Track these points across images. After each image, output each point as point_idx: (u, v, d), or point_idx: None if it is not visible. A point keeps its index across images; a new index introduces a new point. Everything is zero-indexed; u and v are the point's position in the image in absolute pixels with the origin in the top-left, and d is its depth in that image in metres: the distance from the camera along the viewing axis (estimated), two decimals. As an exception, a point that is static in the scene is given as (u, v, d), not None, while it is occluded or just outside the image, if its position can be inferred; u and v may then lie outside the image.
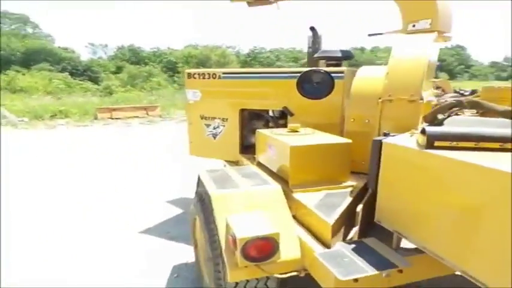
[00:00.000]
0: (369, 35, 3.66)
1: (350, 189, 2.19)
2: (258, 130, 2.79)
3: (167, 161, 7.07)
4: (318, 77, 2.93)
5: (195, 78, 3.59)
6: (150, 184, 5.65)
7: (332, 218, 1.75)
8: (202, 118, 3.65)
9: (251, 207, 1.92)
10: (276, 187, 2.06)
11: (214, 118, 3.57)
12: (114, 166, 6.88)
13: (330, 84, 2.88)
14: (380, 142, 1.74)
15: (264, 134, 2.63)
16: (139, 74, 30.95)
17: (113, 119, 14.14)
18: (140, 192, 5.25)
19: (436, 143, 1.46)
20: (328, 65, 3.32)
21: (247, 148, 3.51)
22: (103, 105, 16.12)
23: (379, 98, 2.15)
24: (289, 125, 2.61)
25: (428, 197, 1.46)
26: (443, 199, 1.39)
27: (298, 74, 3.01)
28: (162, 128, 12.21)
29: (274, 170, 2.43)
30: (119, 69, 33.39)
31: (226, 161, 3.64)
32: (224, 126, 3.52)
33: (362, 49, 63.46)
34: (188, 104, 3.70)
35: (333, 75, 2.87)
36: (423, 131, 1.52)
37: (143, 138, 10.16)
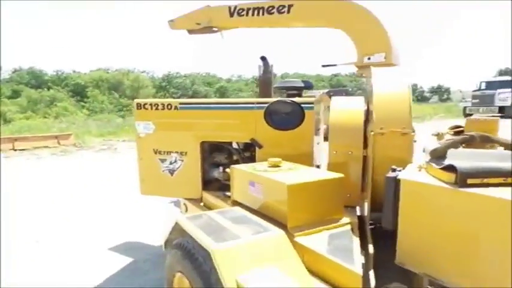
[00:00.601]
0: (323, 65, 3.75)
1: (349, 226, 2.08)
2: (232, 166, 2.55)
3: (98, 197, 6.26)
4: (287, 107, 2.84)
5: (146, 109, 3.22)
6: (86, 228, 4.89)
7: (357, 266, 1.60)
8: (156, 153, 3.26)
9: (259, 260, 1.67)
10: (279, 233, 1.84)
11: (171, 152, 3.22)
12: (37, 207, 5.84)
13: (300, 115, 2.81)
14: (396, 179, 1.67)
15: (243, 171, 2.41)
16: (41, 98, 27.88)
17: (16, 150, 12.25)
18: (74, 240, 4.48)
19: (469, 181, 1.42)
20: (288, 95, 3.27)
21: (208, 183, 3.23)
22: (1, 134, 13.92)
23: (371, 131, 2.11)
24: (270, 160, 2.43)
25: (465, 236, 1.41)
26: (484, 238, 1.35)
27: (265, 105, 2.88)
28: (79, 159, 10.95)
29: (261, 210, 2.21)
30: (15, 94, 29.62)
31: (186, 199, 3.28)
32: (182, 160, 3.19)
33: (274, 74, 67.03)
34: (139, 137, 3.29)
35: (302, 105, 2.81)
36: (450, 168, 1.48)
37: (59, 172, 8.93)
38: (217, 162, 3.27)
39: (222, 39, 4.49)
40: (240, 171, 2.45)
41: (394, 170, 1.79)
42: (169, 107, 3.15)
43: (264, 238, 1.80)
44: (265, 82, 3.85)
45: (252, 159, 3.13)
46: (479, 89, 20.95)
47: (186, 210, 3.27)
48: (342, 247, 1.83)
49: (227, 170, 2.84)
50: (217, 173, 3.23)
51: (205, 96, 46.22)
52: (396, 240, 1.72)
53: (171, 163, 3.23)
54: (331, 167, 2.43)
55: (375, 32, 3.05)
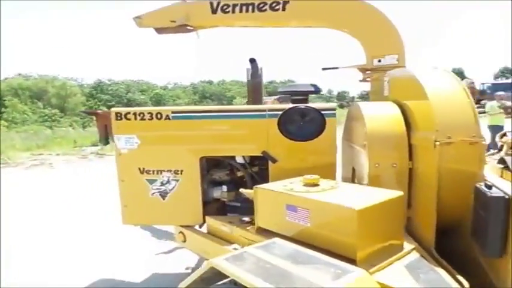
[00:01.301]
0: (323, 68, 3.46)
1: (417, 253, 1.77)
2: (258, 186, 2.10)
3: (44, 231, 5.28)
4: (306, 115, 2.48)
5: (128, 119, 2.62)
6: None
7: None
8: (142, 172, 2.67)
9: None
10: (363, 274, 1.46)
11: (162, 171, 2.66)
12: None
13: (320, 123, 2.46)
14: (504, 199, 1.39)
15: (276, 192, 1.98)
16: None
17: None
18: None
19: None
20: (293, 101, 2.90)
21: (206, 206, 2.72)
22: None
23: (436, 141, 1.82)
24: (306, 178, 2.03)
25: None
26: None
27: (279, 112, 2.49)
28: (8, 179, 9.37)
29: (308, 240, 1.80)
30: None
31: (183, 226, 2.73)
32: (177, 180, 2.65)
33: (210, 82, 66.39)
34: (119, 154, 2.67)
35: (323, 112, 2.47)
36: None
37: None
38: (217, 180, 2.79)
39: (198, 39, 4.00)
40: (270, 193, 2.02)
41: (489, 187, 1.51)
42: (158, 116, 2.60)
43: (350, 283, 1.40)
44: (255, 86, 3.45)
45: (261, 175, 2.70)
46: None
47: (185, 240, 2.72)
48: (434, 282, 1.50)
49: (241, 190, 2.39)
50: (218, 193, 2.75)
51: (140, 105, 44.22)
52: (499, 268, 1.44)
53: (162, 184, 2.67)
54: (372, 182, 2.11)
55: (387, 33, 2.84)
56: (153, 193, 2.69)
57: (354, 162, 2.55)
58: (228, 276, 1.63)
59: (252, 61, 3.33)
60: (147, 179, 2.68)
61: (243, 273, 1.48)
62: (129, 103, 43.48)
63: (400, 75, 2.46)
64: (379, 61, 2.88)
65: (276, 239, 1.85)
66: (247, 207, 2.67)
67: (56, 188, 7.76)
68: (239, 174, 2.76)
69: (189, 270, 3.72)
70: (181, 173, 2.64)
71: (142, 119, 2.62)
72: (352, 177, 2.58)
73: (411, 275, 1.57)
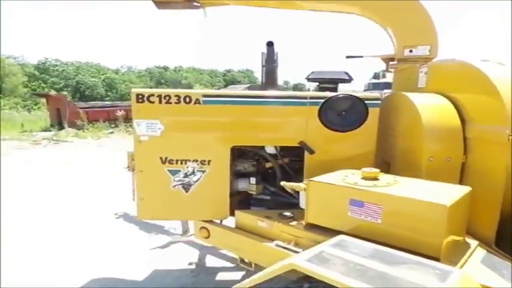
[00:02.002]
0: (347, 56, 3.36)
1: (483, 250, 1.75)
2: (313, 179, 1.96)
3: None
4: (348, 104, 2.37)
5: (151, 102, 2.34)
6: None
7: None
8: (164, 162, 2.41)
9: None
10: (463, 274, 1.38)
11: (187, 161, 2.41)
12: None
13: (363, 113, 2.37)
14: None
15: (338, 186, 1.85)
16: None
17: None
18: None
19: None
20: (321, 89, 2.78)
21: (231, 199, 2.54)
22: None
23: (510, 135, 1.78)
24: (365, 170, 1.93)
25: None
26: None
27: (320, 100, 2.36)
28: None
29: (377, 238, 1.70)
30: None
31: (206, 221, 2.51)
32: (204, 171, 2.42)
33: (165, 68, 64.13)
34: (138, 141, 2.38)
35: (366, 102, 2.37)
36: None
37: None
38: (242, 171, 2.60)
39: (204, 17, 3.72)
40: (328, 187, 1.89)
41: None
42: (187, 100, 2.34)
43: (455, 284, 1.31)
44: (270, 72, 3.28)
45: (291, 167, 2.57)
46: (369, 89, 23.40)
47: (208, 236, 2.51)
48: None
49: (283, 182, 2.23)
50: (245, 185, 2.57)
51: (92, 88, 41.35)
52: None
53: (186, 175, 2.43)
54: (425, 176, 2.05)
55: (422, 21, 2.77)
56: (175, 185, 2.44)
57: (389, 155, 2.50)
58: (308, 277, 1.49)
59: (269, 44, 3.15)
60: (168, 170, 2.43)
61: (341, 276, 1.34)
62: (78, 86, 40.70)
63: (449, 66, 2.39)
64: (411, 51, 2.82)
65: (343, 237, 1.73)
66: (276, 201, 2.54)
67: (14, 177, 7.00)
68: (268, 165, 2.60)
69: (193, 266, 3.51)
70: (208, 164, 2.42)
71: (168, 102, 2.35)
72: (385, 170, 2.51)
73: (494, 271, 1.54)
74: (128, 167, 3.11)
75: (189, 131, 2.40)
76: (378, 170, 1.92)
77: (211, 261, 3.60)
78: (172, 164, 2.41)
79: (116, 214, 4.92)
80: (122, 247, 3.94)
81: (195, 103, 2.34)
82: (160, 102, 2.34)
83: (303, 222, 2.05)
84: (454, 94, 2.19)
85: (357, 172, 2.03)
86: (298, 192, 2.19)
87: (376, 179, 1.88)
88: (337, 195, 1.85)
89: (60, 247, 3.90)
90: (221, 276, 3.34)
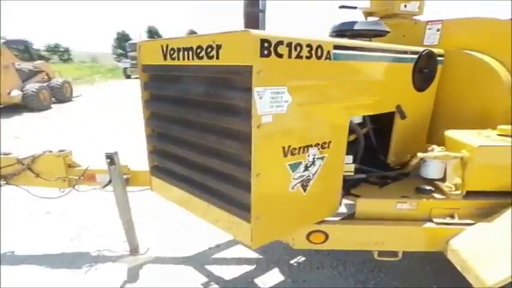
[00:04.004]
0: (340, 6, 3.03)
1: None
2: (474, 145, 1.76)
3: None
4: (430, 60, 2.20)
5: (279, 56, 1.35)
6: None
7: None
8: (286, 154, 1.51)
9: None
10: None
11: (309, 147, 1.61)
12: None
13: (435, 70, 2.28)
14: None
15: (507, 147, 1.76)
16: None
17: None
18: None
19: None
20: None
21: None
22: None
23: None
24: (500, 128, 1.91)
25: None
26: None
27: (414, 56, 2.07)
28: None
29: None
30: None
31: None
32: (323, 158, 1.69)
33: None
34: (258, 126, 1.36)
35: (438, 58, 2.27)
36: None
37: None
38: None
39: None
40: (498, 150, 1.76)
41: None
42: (319, 53, 1.49)
43: None
44: (252, 19, 2.62)
45: (375, 137, 2.19)
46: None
47: (326, 239, 1.83)
48: None
49: (420, 154, 1.88)
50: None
51: None
52: None
53: (306, 168, 1.62)
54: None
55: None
56: (295, 185, 1.60)
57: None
58: None
59: None
60: (289, 165, 1.55)
61: None
62: None
63: (481, 23, 2.46)
64: (405, 6, 2.81)
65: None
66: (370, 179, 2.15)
67: None
68: (350, 138, 2.10)
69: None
70: (328, 146, 1.70)
71: (298, 56, 1.42)
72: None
73: None
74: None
75: (316, 101, 1.57)
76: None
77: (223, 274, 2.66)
78: (294, 154, 1.55)
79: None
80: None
81: (325, 58, 1.53)
82: (290, 56, 1.39)
83: (455, 192, 1.86)
84: (492, 52, 2.36)
85: (484, 131, 1.99)
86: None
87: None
88: (501, 156, 1.76)
89: None
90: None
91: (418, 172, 2.13)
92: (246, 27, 2.60)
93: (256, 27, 2.64)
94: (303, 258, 2.73)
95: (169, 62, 1.74)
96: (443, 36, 2.56)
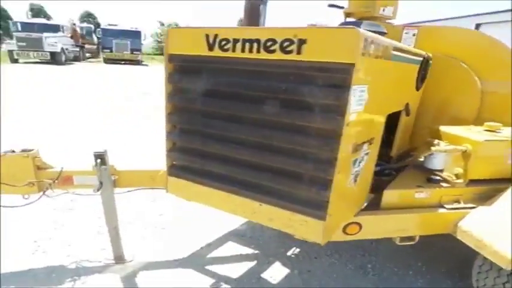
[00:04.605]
0: (329, 5, 3.14)
1: None
2: (474, 140, 2.07)
3: None
4: (425, 61, 2.45)
5: (369, 55, 1.39)
6: None
7: None
8: (354, 151, 1.56)
9: None
10: None
11: (364, 143, 1.68)
12: None
13: (427, 71, 2.55)
14: None
15: (500, 141, 2.12)
16: None
17: None
18: None
19: None
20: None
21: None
22: None
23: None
24: (487, 124, 2.27)
25: None
26: None
27: (420, 58, 2.30)
28: None
29: None
30: None
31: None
32: (368, 154, 1.79)
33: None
34: (347, 124, 1.38)
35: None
36: None
37: None
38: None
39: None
40: (493, 144, 2.09)
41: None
42: (386, 54, 1.57)
43: None
44: (252, 10, 2.63)
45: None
46: (21, 30, 18.88)
47: (359, 230, 1.92)
48: None
49: (434, 148, 2.11)
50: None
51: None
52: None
53: (359, 163, 1.70)
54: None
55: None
56: (351, 180, 1.67)
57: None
58: None
59: None
60: (353, 160, 1.60)
61: None
62: None
63: (453, 32, 2.74)
64: (383, 10, 3.01)
65: None
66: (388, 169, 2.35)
67: None
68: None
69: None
70: (373, 142, 1.79)
71: (377, 56, 1.48)
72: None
73: None
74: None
75: (377, 99, 1.63)
76: (500, 124, 2.30)
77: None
78: (357, 151, 1.61)
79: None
80: None
81: (388, 58, 1.63)
82: (373, 55, 1.44)
83: (459, 181, 2.15)
84: (462, 58, 2.75)
85: (473, 127, 2.33)
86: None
87: (495, 131, 2.28)
88: (498, 149, 2.11)
89: None
90: None
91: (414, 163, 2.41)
92: (246, 18, 2.53)
93: (257, 19, 2.60)
94: (298, 249, 2.81)
95: (217, 53, 1.62)
96: (418, 41, 2.87)
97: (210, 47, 1.64)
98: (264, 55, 1.50)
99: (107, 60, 22.64)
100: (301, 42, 1.40)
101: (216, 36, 1.61)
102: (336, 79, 1.36)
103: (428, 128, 2.51)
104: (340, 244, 2.85)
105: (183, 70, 1.80)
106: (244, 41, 1.53)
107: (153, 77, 14.71)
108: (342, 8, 3.10)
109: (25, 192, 2.32)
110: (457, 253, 2.64)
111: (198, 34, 1.66)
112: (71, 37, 22.49)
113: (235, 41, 1.56)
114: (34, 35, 18.58)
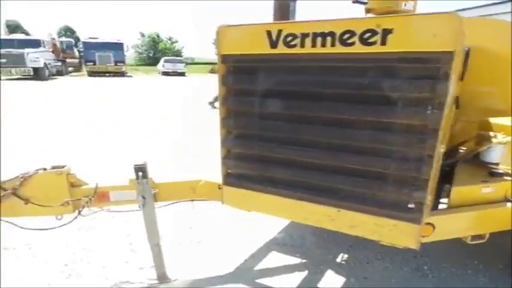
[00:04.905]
0: (354, 1, 3.05)
1: None
2: None
3: None
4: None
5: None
6: None
7: None
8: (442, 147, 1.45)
9: None
10: None
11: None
12: None
13: None
14: None
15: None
16: None
17: None
18: None
19: None
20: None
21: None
22: None
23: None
24: None
25: None
26: None
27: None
28: None
29: None
30: None
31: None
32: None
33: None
34: (446, 116, 1.27)
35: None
36: None
37: None
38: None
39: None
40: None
41: None
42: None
43: None
44: (282, 9, 2.55)
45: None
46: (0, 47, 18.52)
47: (432, 231, 1.80)
48: None
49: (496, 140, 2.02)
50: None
51: None
52: None
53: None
54: None
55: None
56: (434, 178, 1.56)
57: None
58: None
59: None
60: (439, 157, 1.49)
61: None
62: None
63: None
64: (405, 5, 2.95)
65: None
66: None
67: None
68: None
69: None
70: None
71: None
72: None
73: None
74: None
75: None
76: None
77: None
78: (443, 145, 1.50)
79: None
80: None
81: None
82: (461, 42, 1.33)
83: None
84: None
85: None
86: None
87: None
88: None
89: None
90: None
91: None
92: (276, 16, 2.43)
93: (286, 16, 2.50)
94: (346, 255, 2.69)
95: (282, 50, 1.50)
96: None
97: (273, 44, 1.52)
98: (340, 49, 1.38)
99: (91, 73, 22.51)
100: (387, 32, 1.29)
101: (280, 31, 1.49)
102: (431, 70, 1.25)
103: (474, 122, 2.42)
104: (385, 246, 2.74)
105: (239, 71, 1.68)
106: (316, 35, 1.42)
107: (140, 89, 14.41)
108: (366, 3, 3.01)
109: (60, 212, 2.16)
110: (508, 248, 2.54)
111: (257, 31, 1.54)
112: (52, 52, 22.21)
113: (304, 35, 1.44)
114: (15, 51, 18.27)
